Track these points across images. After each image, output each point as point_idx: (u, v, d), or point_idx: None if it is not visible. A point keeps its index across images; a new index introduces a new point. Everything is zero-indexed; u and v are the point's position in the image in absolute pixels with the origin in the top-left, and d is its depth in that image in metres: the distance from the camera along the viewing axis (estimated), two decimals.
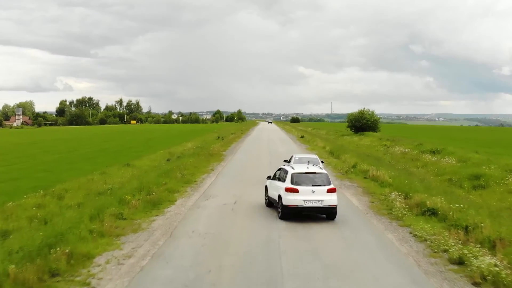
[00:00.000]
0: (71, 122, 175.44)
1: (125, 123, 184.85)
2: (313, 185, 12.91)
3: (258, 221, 12.76)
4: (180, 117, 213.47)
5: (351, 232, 11.77)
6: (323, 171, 14.16)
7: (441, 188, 17.56)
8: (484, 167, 22.01)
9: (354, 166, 23.36)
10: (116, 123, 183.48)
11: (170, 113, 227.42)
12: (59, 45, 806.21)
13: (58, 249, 8.81)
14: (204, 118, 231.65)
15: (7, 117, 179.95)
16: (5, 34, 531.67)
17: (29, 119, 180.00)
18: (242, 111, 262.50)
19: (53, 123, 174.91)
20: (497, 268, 8.21)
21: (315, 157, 20.50)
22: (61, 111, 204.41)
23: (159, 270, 8.65)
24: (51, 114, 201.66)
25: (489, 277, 8.07)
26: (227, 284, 8.00)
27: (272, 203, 14.29)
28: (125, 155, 37.47)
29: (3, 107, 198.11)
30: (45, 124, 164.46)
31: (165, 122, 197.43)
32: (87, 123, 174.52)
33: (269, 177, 15.18)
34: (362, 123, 64.85)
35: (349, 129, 68.12)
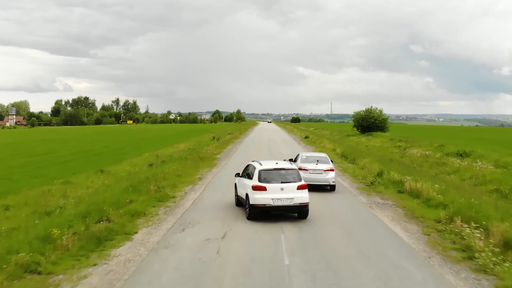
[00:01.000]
0: (65, 122, 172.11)
1: (121, 123, 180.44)
2: (282, 182, 12.03)
3: (261, 277, 7.65)
4: (178, 117, 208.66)
5: None
6: (293, 166, 13.00)
7: None
8: None
9: (379, 175, 18.52)
10: (112, 123, 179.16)
11: (169, 113, 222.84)
12: (58, 46, 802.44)
13: None
14: (203, 118, 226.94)
15: (1, 117, 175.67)
16: (4, 34, 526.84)
17: (23, 119, 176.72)
18: (241, 112, 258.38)
19: (47, 123, 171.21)
20: None
21: (324, 156, 18.37)
22: (56, 111, 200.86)
23: None
24: (46, 114, 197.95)
25: None
26: None
27: (241, 203, 13.20)
28: (106, 158, 32.88)
29: None
30: (39, 124, 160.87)
31: (162, 122, 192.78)
32: (82, 123, 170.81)
33: (237, 175, 14.11)
34: (369, 123, 60.09)
35: (355, 129, 63.28)
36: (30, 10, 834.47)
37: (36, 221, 11.85)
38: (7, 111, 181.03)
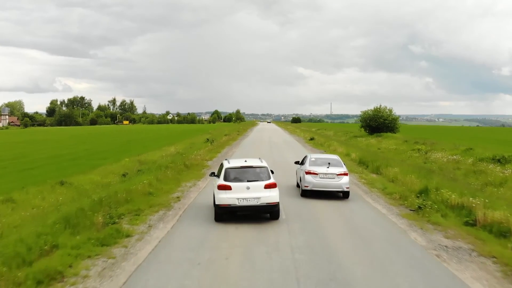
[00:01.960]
0: (60, 123, 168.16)
1: (117, 124, 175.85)
2: (248, 181, 11.51)
3: None
4: (176, 118, 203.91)
5: None
6: (263, 164, 12.25)
7: None
8: None
9: (424, 193, 13.51)
10: (107, 124, 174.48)
11: (167, 113, 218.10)
12: (58, 46, 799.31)
13: None
14: (201, 119, 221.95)
15: None
16: (4, 35, 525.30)
17: (17, 119, 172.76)
18: (241, 112, 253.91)
19: (41, 124, 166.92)
20: None
21: (336, 158, 16.47)
22: (51, 111, 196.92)
23: None
24: (40, 115, 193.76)
25: None
26: None
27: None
28: (79, 164, 28.24)
29: None
30: (32, 125, 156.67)
31: (159, 122, 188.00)
32: (77, 124, 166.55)
33: (212, 174, 13.40)
34: (378, 123, 55.48)
35: (362, 129, 58.62)
36: (29, 10, 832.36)
37: None
38: (0, 111, 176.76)
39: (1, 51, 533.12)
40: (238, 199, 11.26)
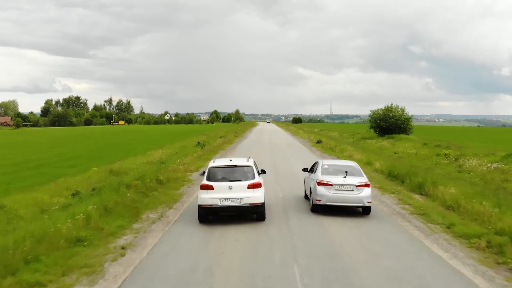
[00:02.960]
0: (53, 123, 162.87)
1: (112, 124, 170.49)
2: (231, 181, 11.08)
3: None
4: (173, 118, 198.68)
5: None
6: (248, 163, 11.70)
7: None
8: None
9: None
10: (102, 124, 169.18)
11: (165, 113, 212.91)
12: (57, 46, 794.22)
13: None
14: (199, 119, 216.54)
15: None
16: (3, 35, 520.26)
17: (11, 119, 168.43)
18: (241, 112, 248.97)
19: (34, 124, 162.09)
20: None
21: (353, 165, 13.62)
22: (46, 111, 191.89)
23: None
24: (35, 115, 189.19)
25: None
26: None
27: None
28: (39, 174, 23.73)
29: None
30: (25, 125, 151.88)
31: (156, 123, 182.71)
32: (71, 124, 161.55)
33: (202, 173, 12.19)
34: (389, 123, 50.49)
35: (371, 130, 53.59)
36: (29, 10, 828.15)
37: None
38: None
39: (1, 51, 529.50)
40: (220, 199, 10.86)
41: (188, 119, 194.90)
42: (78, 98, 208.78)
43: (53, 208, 13.20)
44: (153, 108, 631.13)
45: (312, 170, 13.90)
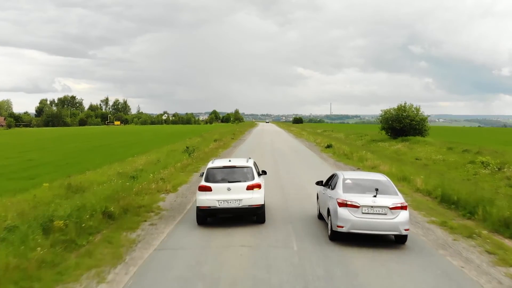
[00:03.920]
0: (47, 123, 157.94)
1: (107, 124, 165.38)
2: (229, 182, 10.84)
3: None
4: (171, 118, 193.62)
5: None
6: (248, 164, 11.35)
7: None
8: None
9: None
10: (97, 124, 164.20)
11: (163, 113, 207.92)
12: (57, 46, 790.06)
13: None
14: (197, 119, 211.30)
15: None
16: (2, 35, 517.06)
17: (4, 119, 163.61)
18: (241, 112, 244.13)
19: (28, 124, 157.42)
20: None
21: (384, 180, 10.41)
22: (40, 111, 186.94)
23: None
24: (29, 115, 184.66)
25: None
26: None
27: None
28: None
29: None
30: (18, 125, 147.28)
31: (153, 123, 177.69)
32: (65, 124, 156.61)
33: (201, 174, 11.80)
34: (403, 124, 45.64)
35: (383, 132, 48.64)
36: (28, 10, 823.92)
37: None
38: None
39: (0, 51, 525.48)
40: (218, 201, 10.68)
41: (186, 119, 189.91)
42: (73, 97, 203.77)
43: None
44: (153, 108, 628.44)
45: (328, 184, 11.17)
